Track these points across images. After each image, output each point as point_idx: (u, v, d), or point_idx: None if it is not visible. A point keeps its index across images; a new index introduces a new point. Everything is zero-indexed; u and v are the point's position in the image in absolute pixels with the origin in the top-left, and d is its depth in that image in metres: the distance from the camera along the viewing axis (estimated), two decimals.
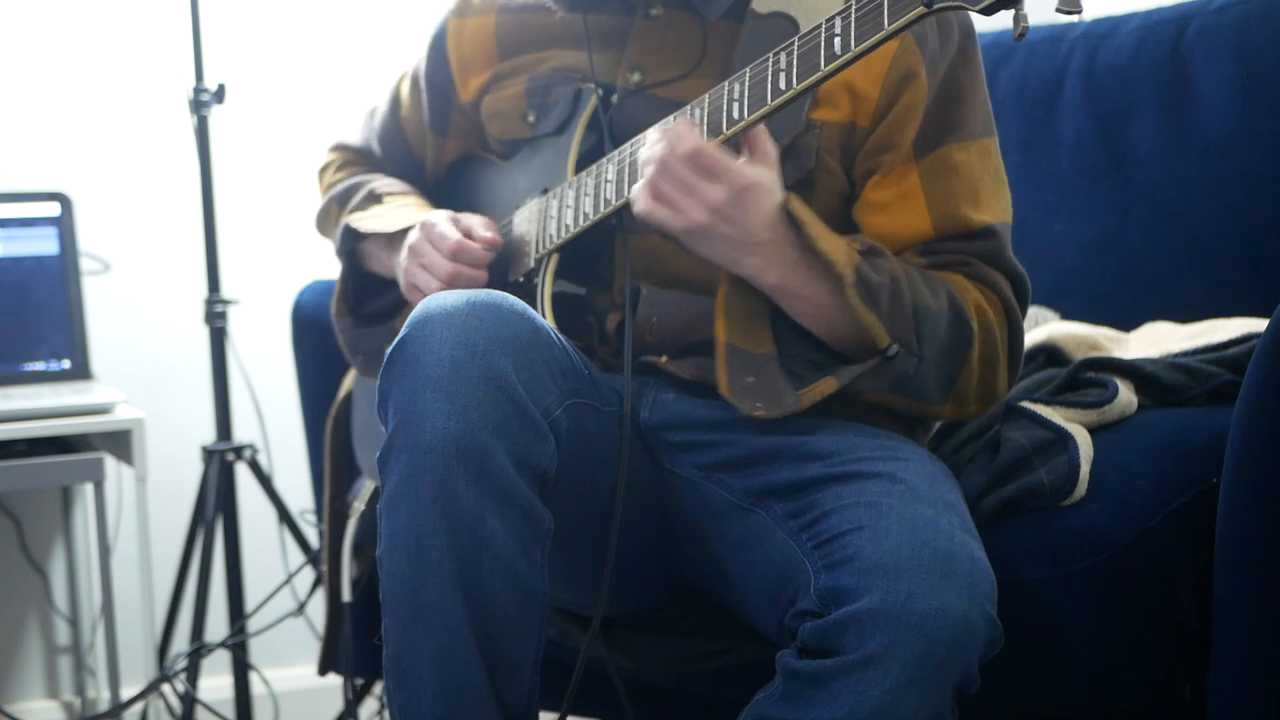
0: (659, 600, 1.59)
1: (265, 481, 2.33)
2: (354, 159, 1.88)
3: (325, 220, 1.82)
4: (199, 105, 2.25)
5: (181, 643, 2.36)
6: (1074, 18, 1.21)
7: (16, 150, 2.45)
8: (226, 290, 2.31)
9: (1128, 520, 1.42)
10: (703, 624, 1.57)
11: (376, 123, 1.84)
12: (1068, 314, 2.01)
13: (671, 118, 1.43)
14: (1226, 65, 1.94)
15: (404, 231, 1.65)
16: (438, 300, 1.33)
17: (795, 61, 1.34)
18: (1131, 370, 1.65)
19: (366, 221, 1.70)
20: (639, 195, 1.40)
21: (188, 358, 2.50)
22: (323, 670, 1.94)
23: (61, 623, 2.51)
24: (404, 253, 1.62)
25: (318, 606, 2.08)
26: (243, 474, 2.32)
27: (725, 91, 1.40)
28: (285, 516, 2.34)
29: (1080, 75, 2.09)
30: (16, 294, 2.28)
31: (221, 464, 2.27)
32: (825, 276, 1.40)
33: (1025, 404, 1.58)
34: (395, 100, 1.82)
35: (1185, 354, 1.73)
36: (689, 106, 1.43)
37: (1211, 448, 1.44)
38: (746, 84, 1.38)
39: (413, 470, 1.28)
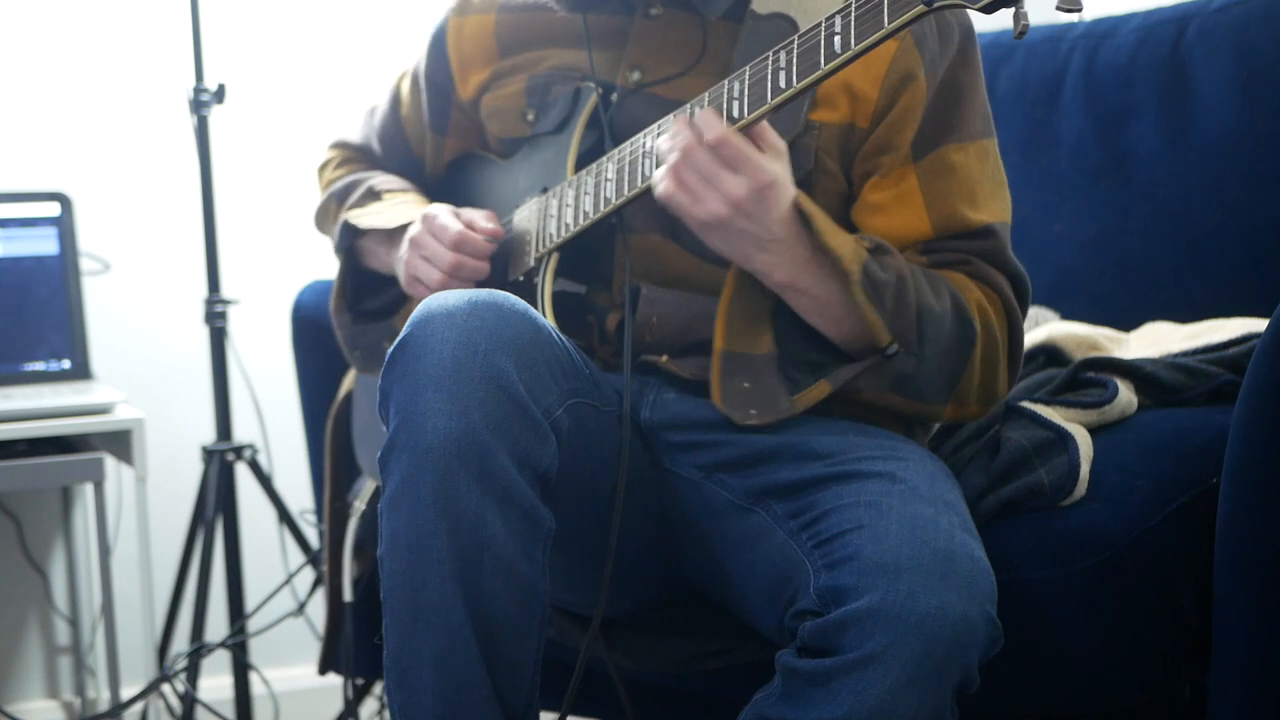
0: (659, 600, 1.59)
1: (265, 481, 2.33)
2: (354, 156, 1.88)
3: (324, 217, 1.82)
4: (199, 105, 2.25)
5: (181, 643, 2.36)
6: (1074, 17, 1.21)
7: (16, 150, 2.45)
8: (226, 290, 2.31)
9: (1128, 520, 1.42)
10: (703, 624, 1.57)
11: (376, 121, 1.84)
12: (1068, 314, 2.01)
13: (672, 115, 1.43)
14: (1226, 65, 1.94)
15: (403, 228, 1.65)
16: (439, 300, 1.33)
17: (795, 60, 1.34)
18: (1131, 370, 1.65)
19: (365, 218, 1.70)
20: (661, 178, 1.39)
21: (188, 358, 2.50)
22: (323, 670, 1.94)
23: (61, 623, 2.51)
24: (404, 246, 1.62)
25: (318, 606, 2.08)
26: (243, 474, 2.32)
27: (725, 90, 1.40)
28: (285, 516, 2.34)
29: (1080, 75, 2.09)
30: (16, 294, 2.28)
31: (221, 464, 2.27)
32: (833, 274, 1.40)
33: (1025, 404, 1.58)
34: (395, 98, 1.82)
35: (1185, 354, 1.73)
36: (689, 105, 1.43)
37: (1211, 448, 1.44)
38: (746, 82, 1.38)
39: (414, 470, 1.28)
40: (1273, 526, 1.34)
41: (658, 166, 1.43)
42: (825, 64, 1.32)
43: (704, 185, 1.36)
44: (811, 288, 1.42)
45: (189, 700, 2.18)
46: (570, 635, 1.60)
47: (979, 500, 1.46)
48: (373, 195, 1.74)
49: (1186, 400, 1.64)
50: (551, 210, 1.57)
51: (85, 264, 2.39)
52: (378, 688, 2.15)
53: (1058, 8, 1.20)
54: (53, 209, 2.32)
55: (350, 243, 1.74)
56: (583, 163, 1.56)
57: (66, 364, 2.30)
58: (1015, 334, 1.50)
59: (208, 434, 2.35)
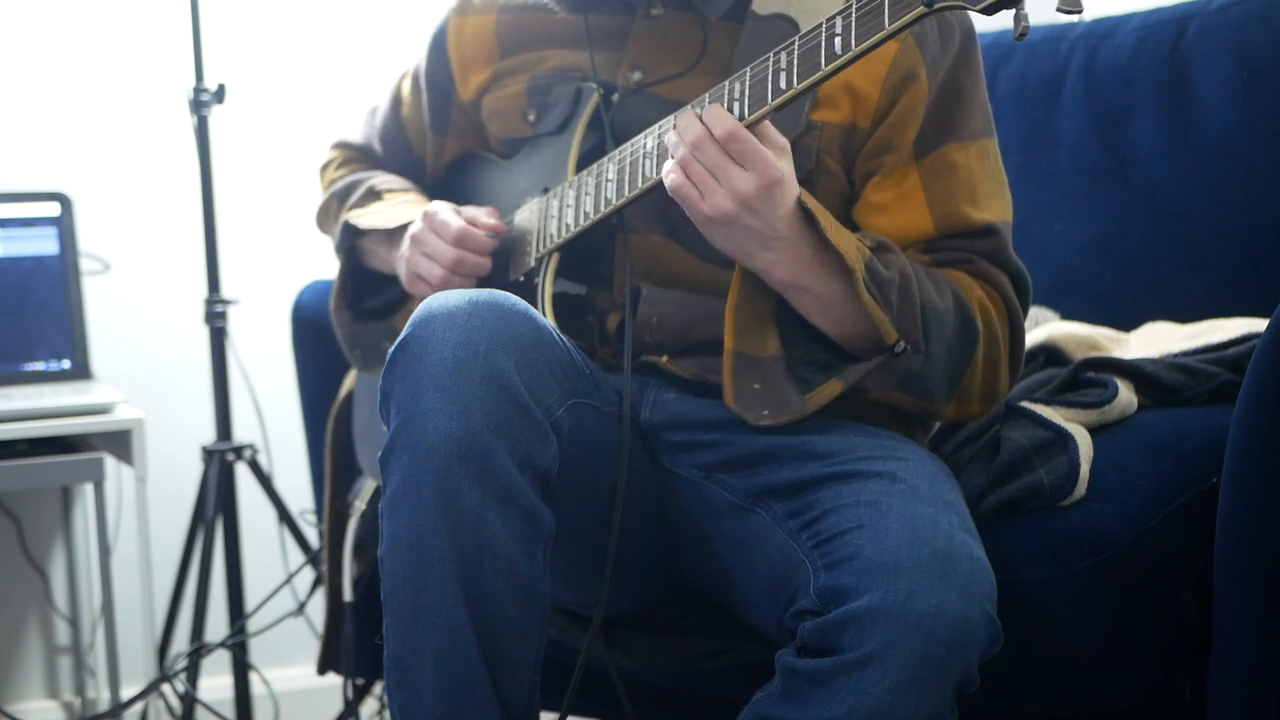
0: (659, 600, 1.59)
1: (265, 481, 2.33)
2: (355, 156, 1.88)
3: (325, 217, 1.83)
4: (199, 105, 2.25)
5: (181, 643, 2.36)
6: (1074, 18, 1.21)
7: (16, 150, 2.45)
8: (226, 290, 2.31)
9: (1128, 520, 1.42)
10: (703, 624, 1.57)
11: (378, 121, 1.85)
12: (1068, 314, 2.01)
13: (673, 116, 1.43)
14: (1226, 65, 1.94)
15: (404, 227, 1.65)
16: (440, 300, 1.33)
17: (796, 61, 1.34)
18: (1131, 370, 1.65)
19: (366, 218, 1.70)
20: (671, 170, 1.39)
21: (188, 358, 2.50)
22: (322, 670, 1.94)
23: (61, 623, 2.51)
24: (405, 244, 1.62)
25: (318, 606, 2.08)
26: (243, 474, 2.32)
27: (725, 91, 1.40)
28: (285, 516, 2.34)
29: (1080, 75, 2.09)
30: (16, 294, 2.28)
31: (221, 464, 2.27)
32: (837, 273, 1.40)
33: (1025, 404, 1.58)
34: (396, 99, 1.82)
35: (1185, 354, 1.73)
36: (689, 105, 1.43)
37: (1211, 448, 1.44)
38: (747, 83, 1.38)
39: (415, 470, 1.28)
40: (1273, 526, 1.34)
41: (660, 166, 1.43)
42: (826, 65, 1.31)
43: (712, 180, 1.36)
44: (814, 286, 1.41)
45: (189, 700, 2.18)
46: (570, 635, 1.60)
47: (979, 500, 1.46)
48: (373, 195, 1.74)
49: (1186, 400, 1.64)
50: (552, 211, 1.57)
51: (85, 264, 2.39)
52: (378, 688, 2.15)
53: (1058, 9, 1.20)
54: (53, 209, 2.32)
55: (351, 243, 1.74)
56: (584, 163, 1.56)
57: (66, 364, 2.30)
58: (1017, 332, 1.50)
59: (208, 434, 2.35)
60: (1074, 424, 1.54)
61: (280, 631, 2.32)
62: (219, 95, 2.26)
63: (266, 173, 2.58)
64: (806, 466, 1.40)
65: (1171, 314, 1.91)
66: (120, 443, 2.13)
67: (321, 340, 1.93)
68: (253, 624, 2.29)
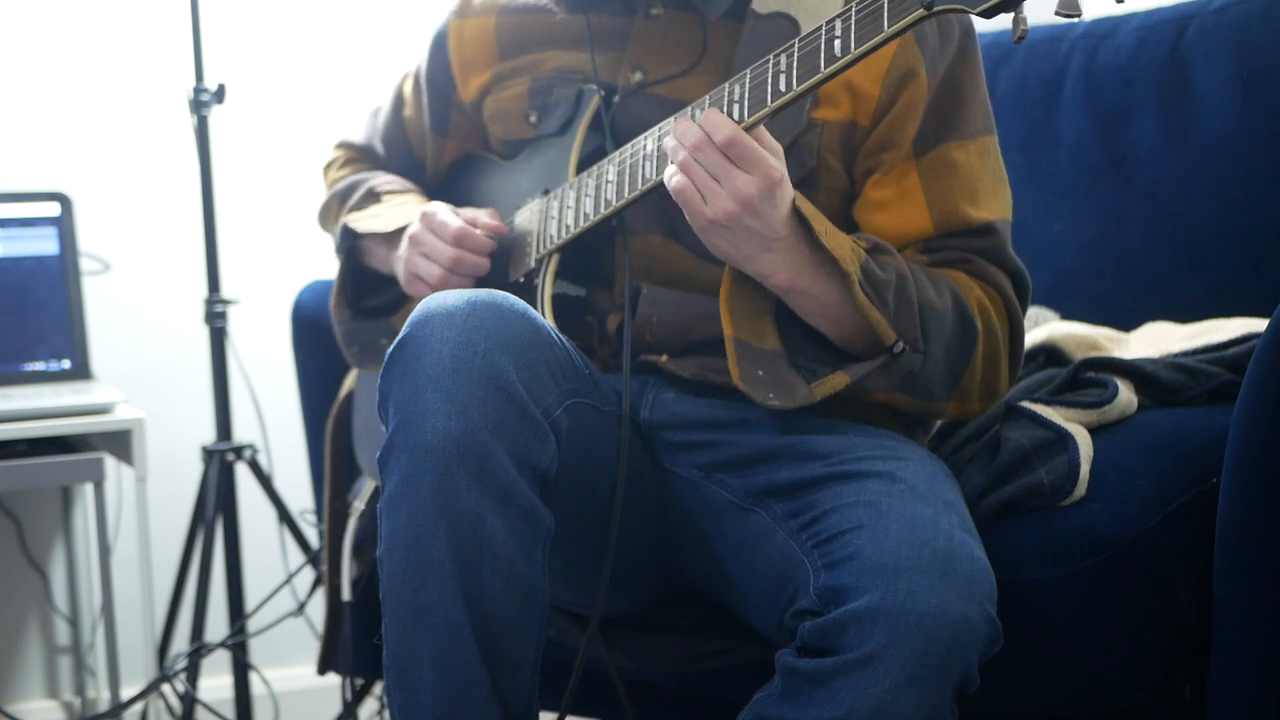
0: (659, 600, 1.59)
1: (265, 481, 2.33)
2: (357, 156, 1.88)
3: (326, 216, 1.83)
4: (199, 105, 2.25)
5: (181, 643, 2.36)
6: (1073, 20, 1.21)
7: (16, 150, 2.45)
8: (226, 290, 2.31)
9: (1128, 520, 1.42)
10: (703, 624, 1.57)
11: (380, 122, 1.85)
12: (1068, 314, 2.01)
13: (673, 118, 1.43)
14: (1226, 65, 1.94)
15: (402, 230, 1.65)
16: (438, 300, 1.33)
17: (795, 63, 1.34)
18: (1131, 370, 1.65)
19: (364, 222, 1.70)
20: (673, 173, 1.38)
21: (188, 358, 2.50)
22: (322, 670, 1.94)
23: (61, 623, 2.51)
24: (404, 244, 1.62)
25: (318, 606, 2.08)
26: (243, 474, 2.32)
27: (725, 93, 1.40)
28: (285, 516, 2.34)
29: (1080, 75, 2.09)
30: (16, 294, 2.28)
31: (221, 464, 2.27)
32: (834, 275, 1.40)
33: (1025, 404, 1.58)
34: (398, 99, 1.82)
35: (1185, 354, 1.73)
36: (689, 108, 1.43)
37: (1211, 448, 1.44)
38: (747, 86, 1.38)
39: (413, 470, 1.28)
40: (1273, 526, 1.34)
41: (660, 167, 1.43)
42: (825, 67, 1.31)
43: (714, 183, 1.36)
44: (812, 288, 1.41)
45: (189, 700, 2.18)
46: (570, 635, 1.60)
47: (979, 500, 1.46)
48: (372, 197, 1.74)
49: (1186, 400, 1.64)
50: (552, 212, 1.57)
51: (85, 264, 2.39)
52: (377, 688, 2.15)
53: (1056, 12, 1.20)
54: (53, 209, 2.32)
55: (350, 244, 1.74)
56: (585, 165, 1.56)
57: (66, 364, 2.30)
58: (1016, 331, 1.50)
59: (208, 434, 2.35)
60: (1074, 424, 1.54)
61: (280, 631, 2.33)
62: (219, 95, 2.26)
63: (266, 173, 2.58)
64: (806, 466, 1.40)
65: (1171, 314, 1.91)
66: (120, 443, 2.13)
67: (321, 340, 1.93)
68: (253, 624, 2.29)
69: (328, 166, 1.90)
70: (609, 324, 1.56)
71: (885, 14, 1.27)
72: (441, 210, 1.60)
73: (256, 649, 2.40)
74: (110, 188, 2.50)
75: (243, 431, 2.42)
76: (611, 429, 1.45)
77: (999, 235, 1.50)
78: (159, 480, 2.35)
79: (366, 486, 1.80)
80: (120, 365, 2.45)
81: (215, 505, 2.26)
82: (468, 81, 1.70)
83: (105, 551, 2.21)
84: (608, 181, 1.50)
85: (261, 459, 2.35)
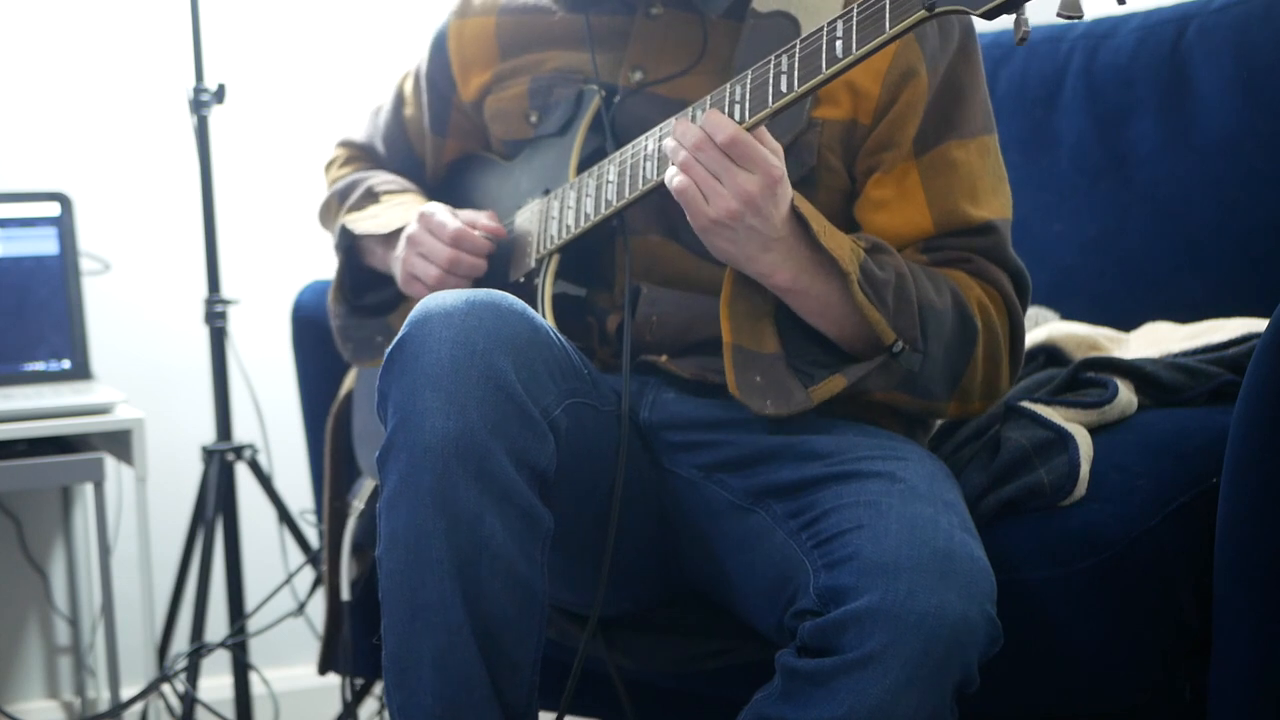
0: (659, 600, 1.59)
1: (265, 481, 2.33)
2: (358, 155, 1.88)
3: (327, 214, 1.83)
4: (199, 105, 2.26)
5: (181, 643, 2.36)
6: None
7: (16, 150, 2.45)
8: (226, 290, 2.31)
9: (1128, 520, 1.42)
10: (703, 624, 1.57)
11: (380, 121, 1.85)
12: (1068, 314, 2.01)
13: (674, 119, 1.43)
14: (1226, 65, 1.94)
15: (399, 231, 1.65)
16: (437, 299, 1.33)
17: (796, 64, 1.34)
18: (1131, 370, 1.65)
19: (361, 223, 1.70)
20: (675, 174, 1.38)
21: (188, 358, 2.50)
22: (322, 670, 1.94)
23: (61, 623, 2.51)
24: (401, 245, 1.62)
25: (318, 606, 2.08)
26: (243, 474, 2.32)
27: (727, 93, 1.40)
28: (285, 516, 2.34)
29: (1080, 75, 2.09)
30: (16, 294, 2.28)
31: (221, 464, 2.27)
32: (833, 274, 1.40)
33: (1025, 404, 1.58)
34: (399, 99, 1.82)
35: (1185, 354, 1.73)
36: (690, 109, 1.43)
37: (1211, 448, 1.44)
38: (748, 86, 1.38)
39: (412, 470, 1.28)
40: (1273, 526, 1.34)
41: (661, 168, 1.43)
42: (827, 68, 1.31)
43: (715, 182, 1.36)
44: (812, 288, 1.41)
45: (189, 700, 2.18)
46: (570, 635, 1.60)
47: (979, 500, 1.46)
48: (371, 197, 1.74)
49: (1186, 400, 1.64)
50: (553, 212, 1.57)
51: (85, 264, 2.39)
52: (377, 688, 2.15)
53: (1059, 13, 1.20)
54: (53, 209, 2.32)
55: (349, 244, 1.74)
56: (585, 165, 1.56)
57: (66, 364, 2.30)
58: (1016, 330, 1.50)
59: (208, 434, 2.35)
60: (1074, 424, 1.54)
61: (280, 631, 2.33)
62: (219, 95, 2.26)
63: (266, 173, 2.58)
64: (806, 466, 1.40)
65: (1171, 314, 1.91)
66: (120, 443, 2.13)
67: (321, 340, 1.93)
68: (253, 624, 2.29)
69: (329, 165, 1.90)
70: (609, 324, 1.56)
71: (887, 15, 1.27)
72: (439, 211, 1.60)
73: (256, 649, 2.40)
74: (110, 188, 2.50)
75: (243, 431, 2.42)
76: (611, 429, 1.45)
77: (999, 234, 1.50)
78: (159, 480, 2.35)
79: (366, 486, 1.80)
80: (120, 365, 2.45)
81: (215, 505, 2.26)
82: (468, 81, 1.70)
83: (105, 551, 2.21)
84: (608, 182, 1.50)
85: (261, 459, 2.35)
